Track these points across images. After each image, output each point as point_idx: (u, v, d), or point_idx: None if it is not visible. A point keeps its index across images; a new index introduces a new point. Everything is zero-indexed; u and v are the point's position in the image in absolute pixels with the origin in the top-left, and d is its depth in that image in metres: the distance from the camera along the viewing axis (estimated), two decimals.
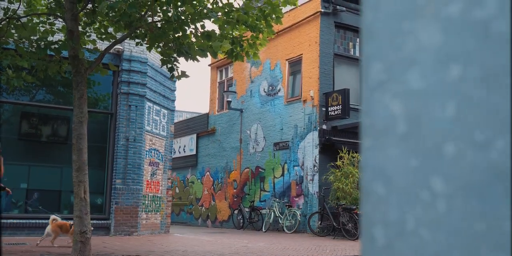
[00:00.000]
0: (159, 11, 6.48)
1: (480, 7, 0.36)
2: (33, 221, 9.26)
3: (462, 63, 0.37)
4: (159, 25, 6.54)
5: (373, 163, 0.43)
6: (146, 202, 10.86)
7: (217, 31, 6.47)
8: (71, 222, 7.82)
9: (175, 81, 12.02)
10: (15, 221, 9.11)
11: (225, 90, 16.83)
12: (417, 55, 0.40)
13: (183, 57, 6.49)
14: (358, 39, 13.21)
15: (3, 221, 8.83)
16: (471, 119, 0.36)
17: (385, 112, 0.42)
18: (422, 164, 0.39)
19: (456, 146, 0.37)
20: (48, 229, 7.51)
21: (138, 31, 6.64)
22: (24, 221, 9.20)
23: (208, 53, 6.49)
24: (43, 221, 9.25)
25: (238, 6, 6.46)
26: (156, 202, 11.27)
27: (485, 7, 0.36)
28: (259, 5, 6.65)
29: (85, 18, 6.84)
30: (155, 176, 11.24)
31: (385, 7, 0.43)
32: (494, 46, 0.35)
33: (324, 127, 12.84)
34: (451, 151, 0.37)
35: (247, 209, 14.92)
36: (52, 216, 7.65)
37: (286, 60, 14.53)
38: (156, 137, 11.31)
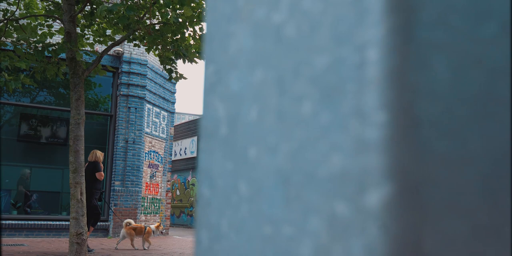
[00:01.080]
0: (157, 14, 6.51)
1: (277, 11, 0.36)
2: (32, 222, 9.29)
3: (263, 67, 0.37)
4: (157, 28, 6.57)
5: (203, 166, 0.43)
6: (145, 204, 10.87)
7: None
8: (145, 224, 7.98)
9: (175, 83, 12.06)
10: (13, 222, 9.14)
11: None
12: (237, 58, 0.40)
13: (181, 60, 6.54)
14: None
15: (2, 222, 8.87)
16: (267, 123, 0.36)
17: (214, 115, 0.42)
18: (234, 167, 0.39)
19: (256, 150, 0.37)
20: (123, 232, 7.78)
21: (136, 33, 6.67)
22: (23, 222, 9.24)
23: None
24: (43, 222, 9.29)
25: None
26: (155, 204, 11.28)
27: (280, 11, 0.36)
28: None
29: (83, 20, 6.88)
30: (154, 178, 11.25)
31: (218, 9, 0.43)
32: (285, 50, 0.35)
33: None
34: (253, 155, 0.37)
35: None
36: (126, 220, 7.90)
37: None
38: (156, 139, 11.34)
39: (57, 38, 8.55)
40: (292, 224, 0.33)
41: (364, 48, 0.29)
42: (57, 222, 9.57)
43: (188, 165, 18.57)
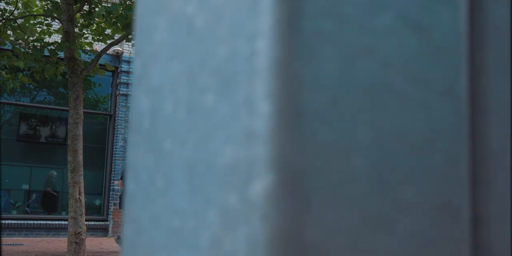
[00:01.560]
0: None
1: (190, 3, 0.36)
2: (31, 222, 9.32)
3: (178, 60, 0.37)
4: None
5: (130, 160, 0.43)
6: None
7: None
8: None
9: None
10: (13, 222, 9.17)
11: None
12: (158, 51, 0.40)
13: None
14: None
15: (1, 221, 8.89)
16: (179, 116, 0.36)
17: (139, 109, 0.42)
18: (154, 161, 0.39)
19: (171, 143, 0.37)
20: None
21: None
22: (22, 222, 9.26)
23: None
24: (42, 222, 9.32)
25: None
26: None
27: (191, 3, 0.36)
28: None
29: (82, 20, 6.89)
30: None
31: (145, 2, 0.44)
32: (195, 42, 0.35)
33: None
34: (167, 148, 0.37)
35: None
36: None
37: None
38: None
39: (56, 38, 8.57)
40: (195, 216, 0.33)
41: (255, 38, 0.29)
42: (57, 222, 9.59)
43: None
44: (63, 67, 6.70)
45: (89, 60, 6.95)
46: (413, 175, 0.31)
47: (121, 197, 7.78)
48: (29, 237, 9.08)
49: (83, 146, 6.14)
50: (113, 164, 10.20)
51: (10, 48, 7.12)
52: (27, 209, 9.87)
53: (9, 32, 6.67)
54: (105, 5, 6.29)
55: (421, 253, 0.30)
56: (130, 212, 0.42)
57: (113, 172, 10.19)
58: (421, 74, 0.31)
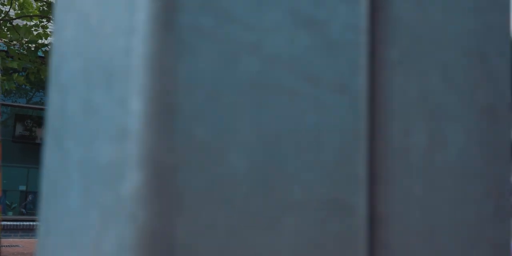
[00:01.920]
0: None
1: (86, 0, 0.35)
2: (27, 223, 9.30)
3: (79, 57, 0.36)
4: None
5: (44, 160, 0.42)
6: None
7: None
8: None
9: None
10: (9, 223, 9.15)
11: None
12: (67, 49, 0.40)
13: None
14: None
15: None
16: (76, 114, 0.35)
17: (52, 107, 0.42)
18: (59, 161, 0.39)
19: (71, 143, 0.36)
20: None
21: None
22: (18, 223, 9.24)
23: None
24: (38, 223, 9.30)
25: None
26: None
27: (88, 1, 0.35)
28: None
29: None
30: None
31: (59, 0, 0.43)
32: (90, 39, 0.35)
33: None
34: (68, 147, 0.36)
35: None
36: None
37: None
38: None
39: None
40: (83, 216, 0.32)
41: (130, 34, 0.28)
42: None
43: None
44: None
45: None
46: (301, 173, 0.30)
47: None
48: (24, 238, 9.05)
49: None
50: None
51: (5, 49, 7.11)
52: (23, 210, 9.84)
53: (7, 32, 6.66)
54: None
55: (308, 251, 0.29)
56: (42, 213, 0.42)
57: None
58: (313, 70, 0.31)
